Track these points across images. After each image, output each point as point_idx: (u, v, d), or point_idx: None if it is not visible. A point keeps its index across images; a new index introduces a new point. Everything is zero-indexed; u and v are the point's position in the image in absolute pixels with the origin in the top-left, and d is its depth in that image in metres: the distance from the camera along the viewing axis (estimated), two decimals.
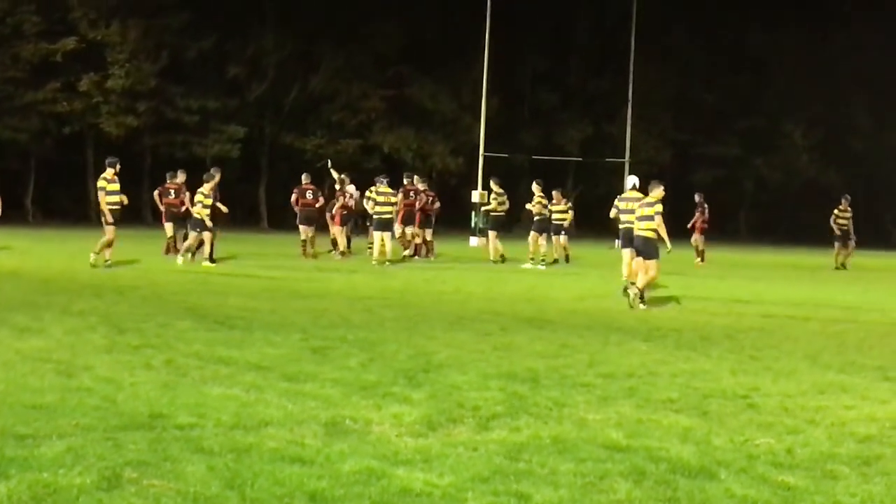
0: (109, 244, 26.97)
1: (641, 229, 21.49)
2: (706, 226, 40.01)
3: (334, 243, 35.52)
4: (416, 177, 38.05)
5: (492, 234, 36.29)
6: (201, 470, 7.58)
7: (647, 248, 21.44)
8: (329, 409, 9.78)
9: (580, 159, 72.01)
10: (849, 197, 39.75)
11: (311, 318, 16.84)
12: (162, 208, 33.53)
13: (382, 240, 31.96)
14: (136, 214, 63.59)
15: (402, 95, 72.42)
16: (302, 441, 8.54)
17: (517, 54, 72.86)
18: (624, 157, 62.51)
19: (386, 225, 32.40)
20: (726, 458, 8.54)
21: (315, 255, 33.98)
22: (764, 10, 79.69)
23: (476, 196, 54.64)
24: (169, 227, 32.96)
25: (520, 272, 31.18)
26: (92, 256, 26.86)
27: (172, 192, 32.94)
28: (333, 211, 34.95)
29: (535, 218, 34.65)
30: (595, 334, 16.17)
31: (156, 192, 34.42)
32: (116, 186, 27.52)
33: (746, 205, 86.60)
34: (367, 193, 34.19)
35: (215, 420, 9.12)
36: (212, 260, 28.82)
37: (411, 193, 36.21)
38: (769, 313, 21.02)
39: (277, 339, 14.17)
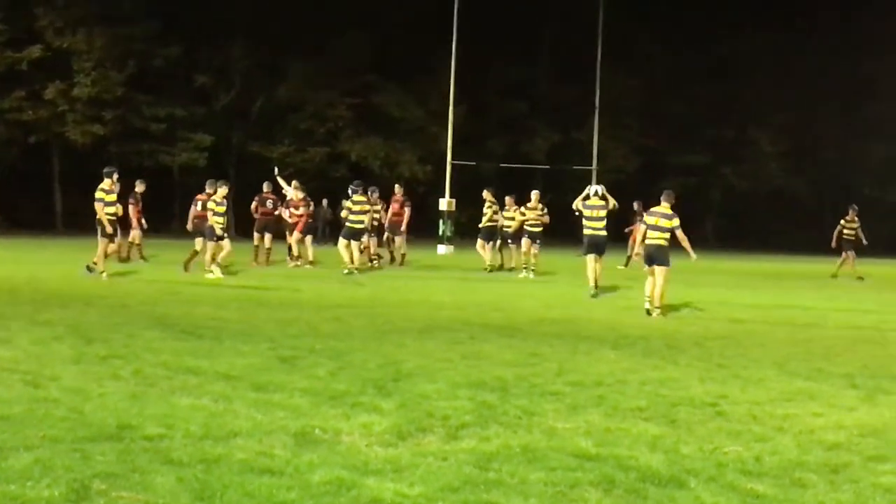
0: (107, 254, 26.94)
1: (656, 238, 21.95)
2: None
3: (290, 251, 35.60)
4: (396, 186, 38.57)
5: (480, 242, 36.00)
6: (170, 481, 7.57)
7: (661, 256, 21.94)
8: (298, 419, 9.77)
9: (548, 167, 72.09)
10: (856, 207, 39.64)
11: (279, 328, 16.81)
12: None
13: (349, 248, 31.63)
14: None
15: (370, 104, 72.34)
16: (271, 452, 8.53)
17: (484, 63, 72.81)
18: (591, 165, 62.62)
19: (357, 234, 32.16)
20: (695, 467, 8.58)
21: (270, 264, 33.80)
22: (732, 19, 79.95)
23: (444, 204, 54.66)
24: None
25: (493, 281, 31.17)
26: (92, 266, 26.75)
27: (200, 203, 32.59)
28: (288, 218, 34.74)
29: (484, 225, 35.25)
30: (564, 343, 16.20)
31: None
32: (114, 197, 27.34)
33: (714, 213, 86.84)
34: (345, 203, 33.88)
35: (184, 431, 9.10)
36: (185, 269, 28.83)
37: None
38: (737, 320, 21.12)
39: (246, 349, 14.15)
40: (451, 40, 55.99)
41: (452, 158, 57.07)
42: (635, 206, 40.40)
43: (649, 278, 22.24)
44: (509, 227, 35.10)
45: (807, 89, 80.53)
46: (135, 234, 33.97)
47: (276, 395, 10.91)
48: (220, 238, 28.45)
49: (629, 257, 39.02)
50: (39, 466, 7.76)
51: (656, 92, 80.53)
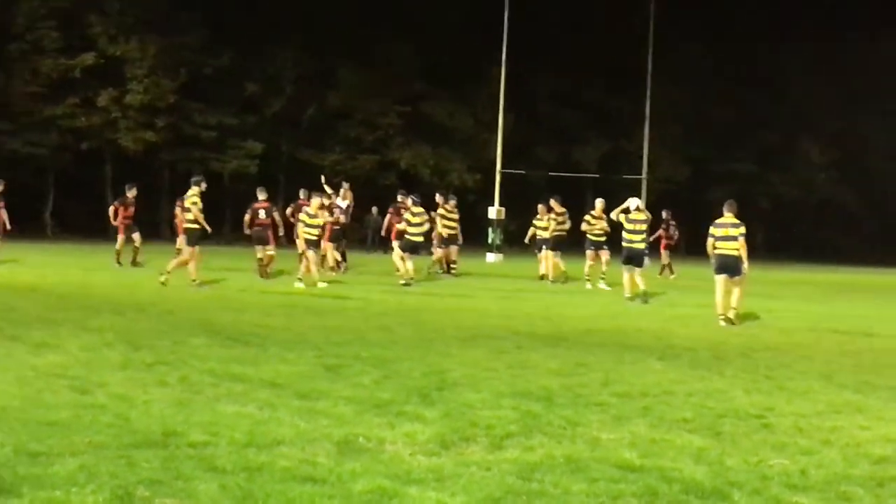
0: (186, 263, 26.86)
1: (729, 249, 22.59)
2: (671, 242, 39.88)
3: (343, 256, 35.81)
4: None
5: (550, 253, 34.64)
6: (213, 489, 7.59)
7: (736, 266, 22.59)
8: (342, 427, 9.78)
9: (597, 176, 72.01)
10: None
11: (325, 335, 16.84)
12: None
13: (406, 260, 30.81)
14: (154, 230, 63.80)
15: (419, 112, 72.49)
16: (314, 460, 8.54)
17: (533, 72, 72.81)
18: (641, 174, 62.45)
19: (416, 247, 31.62)
20: (739, 479, 8.52)
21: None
22: (779, 27, 79.60)
23: (493, 212, 54.69)
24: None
25: (541, 290, 31.09)
26: (162, 276, 26.50)
27: (263, 211, 32.60)
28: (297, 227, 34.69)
29: (551, 235, 34.36)
30: (610, 353, 16.14)
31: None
32: (197, 207, 27.31)
33: (763, 222, 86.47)
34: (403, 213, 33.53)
35: (228, 438, 9.12)
36: (262, 276, 29.04)
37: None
38: (785, 331, 20.99)
39: (291, 357, 14.18)
40: (501, 49, 56.03)
41: (502, 167, 57.06)
42: (664, 214, 40.36)
43: (719, 289, 22.59)
44: (544, 235, 34.88)
45: (855, 97, 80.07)
46: (121, 239, 34.40)
47: (320, 402, 10.92)
48: (316, 247, 28.35)
49: (664, 266, 39.02)
50: (84, 472, 7.81)
51: (705, 101, 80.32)
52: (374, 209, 56.59)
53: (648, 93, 62.32)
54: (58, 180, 65.50)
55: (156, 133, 63.95)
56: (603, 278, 32.02)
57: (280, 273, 31.48)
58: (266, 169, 67.85)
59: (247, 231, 33.07)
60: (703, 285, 30.84)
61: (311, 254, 28.02)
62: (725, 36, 78.89)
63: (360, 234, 53.54)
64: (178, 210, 33.86)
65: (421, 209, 32.17)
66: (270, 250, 31.73)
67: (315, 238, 28.34)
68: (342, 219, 35.08)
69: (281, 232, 32.55)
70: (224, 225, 62.79)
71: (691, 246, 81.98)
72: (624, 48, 72.75)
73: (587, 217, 32.75)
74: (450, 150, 72.40)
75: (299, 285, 27.36)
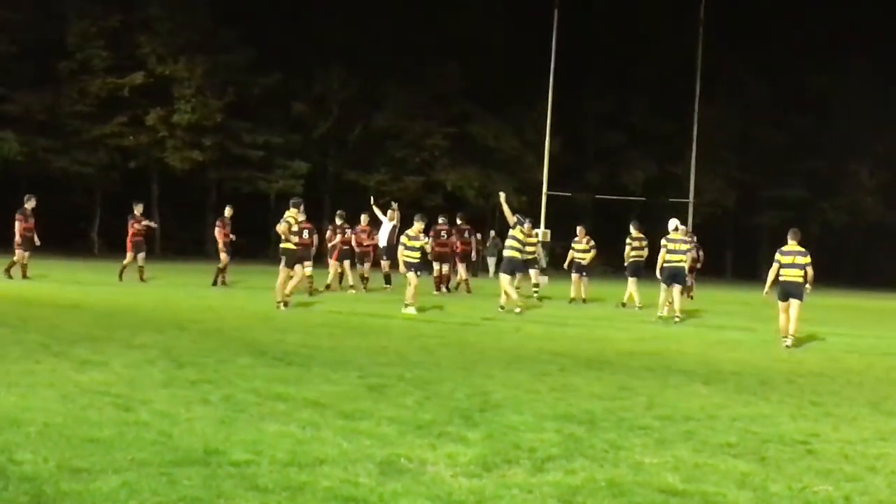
0: (288, 281, 26.87)
1: (793, 276, 23.16)
2: (694, 264, 38.81)
3: (386, 278, 36.14)
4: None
5: (631, 280, 32.92)
6: None
7: (798, 292, 23.14)
8: (384, 447, 9.77)
9: (644, 199, 71.85)
10: None
11: (369, 356, 16.84)
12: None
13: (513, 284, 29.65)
14: (200, 248, 64.09)
15: (465, 133, 72.52)
16: (356, 480, 8.54)
17: (580, 94, 72.80)
18: (688, 198, 62.23)
19: (523, 266, 30.80)
20: None
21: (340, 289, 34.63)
22: (828, 50, 79.21)
23: (539, 234, 54.61)
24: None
25: (584, 312, 30.95)
26: (279, 297, 26.54)
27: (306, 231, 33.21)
28: (331, 245, 35.01)
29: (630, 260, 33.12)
30: (654, 376, 16.06)
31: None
32: (296, 227, 27.33)
33: (812, 247, 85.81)
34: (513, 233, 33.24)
35: (270, 457, 9.13)
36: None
37: (442, 234, 37.79)
38: (832, 357, 20.83)
39: (335, 377, 14.18)
40: (548, 70, 56.03)
41: (548, 189, 57.01)
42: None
43: (782, 315, 23.17)
44: (582, 258, 34.78)
45: None
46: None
47: (363, 423, 10.92)
48: (417, 272, 27.58)
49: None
50: (126, 489, 7.83)
51: (752, 124, 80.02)
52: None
53: (696, 116, 62.12)
54: (105, 199, 65.89)
55: (203, 152, 64.25)
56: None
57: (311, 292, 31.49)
58: (312, 189, 68.02)
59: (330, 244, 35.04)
60: (747, 310, 30.69)
61: (411, 276, 27.35)
62: (773, 58, 78.57)
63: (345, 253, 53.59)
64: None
65: (535, 231, 31.73)
66: (308, 269, 32.01)
67: (416, 261, 27.65)
68: (345, 237, 35.32)
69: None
70: (270, 245, 62.96)
71: (738, 269, 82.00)
72: (672, 71, 72.68)
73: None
74: (495, 171, 72.31)
75: (409, 311, 26.55)
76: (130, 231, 35.36)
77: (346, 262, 35.37)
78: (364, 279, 35.71)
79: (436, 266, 36.74)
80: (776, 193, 79.76)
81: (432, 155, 72.31)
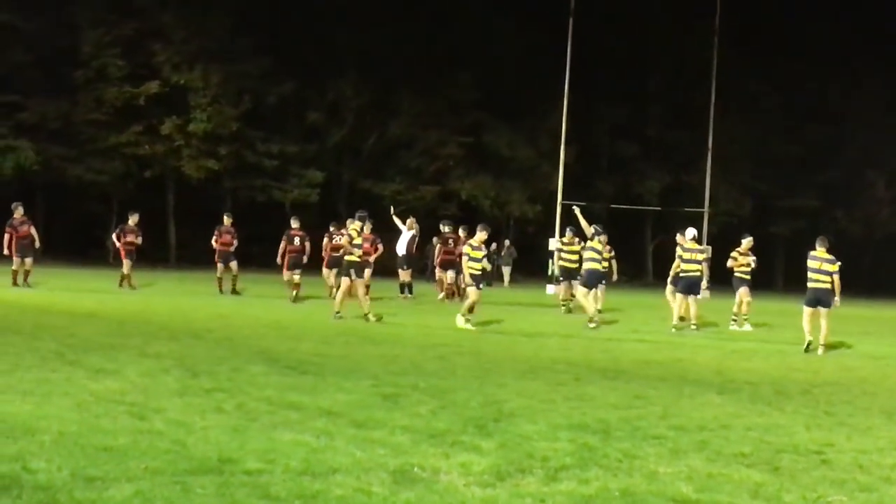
0: (350, 294, 26.90)
1: (821, 283, 23.94)
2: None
3: (405, 287, 36.26)
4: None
5: (691, 298, 29.61)
6: None
7: (826, 298, 23.90)
8: (398, 456, 9.77)
9: (659, 209, 71.72)
10: None
11: (382, 365, 16.85)
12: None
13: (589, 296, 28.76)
14: (212, 256, 64.05)
15: (480, 142, 72.43)
16: (369, 489, 8.54)
17: (595, 104, 72.68)
18: (703, 208, 62.12)
19: (693, 285, 29.00)
20: None
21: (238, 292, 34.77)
22: (844, 62, 79.00)
23: (553, 244, 54.48)
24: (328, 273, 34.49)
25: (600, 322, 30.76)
26: (369, 315, 26.44)
27: (297, 239, 33.84)
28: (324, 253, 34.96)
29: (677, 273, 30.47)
30: (669, 386, 16.05)
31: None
32: (360, 240, 27.17)
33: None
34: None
35: (284, 466, 9.15)
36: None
37: (450, 241, 37.41)
38: (847, 367, 20.78)
39: (349, 385, 14.19)
40: (562, 80, 55.95)
41: (562, 198, 56.94)
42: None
43: (806, 318, 23.86)
44: (568, 264, 33.44)
45: None
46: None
47: (376, 432, 10.92)
48: (476, 286, 26.57)
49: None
50: (140, 498, 7.85)
51: (768, 135, 79.85)
52: (435, 239, 56.72)
53: (711, 126, 62.02)
54: (121, 208, 65.92)
55: (218, 161, 64.27)
56: (746, 319, 30.40)
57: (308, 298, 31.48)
58: (327, 198, 68.06)
59: (215, 245, 35.96)
60: (762, 320, 30.63)
61: (472, 290, 26.56)
62: (789, 69, 78.38)
63: (420, 265, 53.53)
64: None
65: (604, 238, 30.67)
66: (297, 276, 33.39)
67: (479, 272, 26.80)
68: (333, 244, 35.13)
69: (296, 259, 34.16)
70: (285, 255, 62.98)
71: (753, 277, 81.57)
72: (686, 82, 72.59)
73: (734, 254, 30.52)
74: (510, 180, 72.26)
75: (466, 325, 25.54)
76: (123, 239, 36.04)
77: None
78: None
79: (439, 272, 36.82)
80: (791, 203, 79.59)
81: (447, 164, 72.25)
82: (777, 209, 79.58)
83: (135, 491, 8.02)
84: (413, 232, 37.44)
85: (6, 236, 34.20)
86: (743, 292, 30.15)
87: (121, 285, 35.42)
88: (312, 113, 68.34)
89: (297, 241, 34.24)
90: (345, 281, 26.91)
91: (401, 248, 37.30)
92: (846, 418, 13.65)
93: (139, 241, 37.05)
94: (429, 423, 11.58)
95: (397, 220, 37.54)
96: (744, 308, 30.39)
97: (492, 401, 13.50)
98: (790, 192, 79.51)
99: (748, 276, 30.43)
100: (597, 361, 19.35)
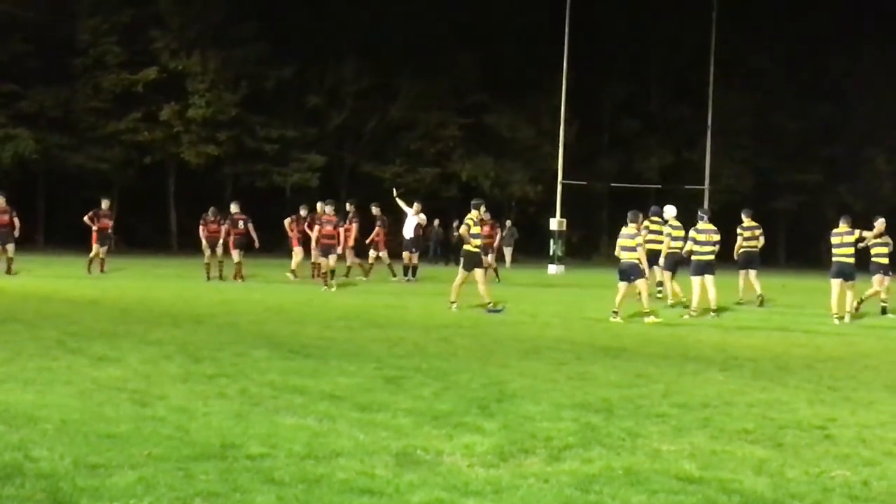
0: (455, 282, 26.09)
1: (846, 256, 25.81)
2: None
3: (409, 270, 36.37)
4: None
5: (752, 272, 30.72)
6: (271, 501, 7.62)
7: (852, 272, 25.78)
8: (401, 439, 9.78)
9: (660, 186, 71.64)
10: None
11: (386, 347, 16.85)
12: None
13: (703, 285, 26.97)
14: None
15: (481, 123, 72.32)
16: (372, 472, 8.54)
17: (596, 81, 72.54)
18: (704, 185, 62.12)
19: (706, 267, 27.01)
20: (801, 491, 8.44)
21: (223, 278, 34.62)
22: (846, 37, 78.83)
23: (555, 224, 54.47)
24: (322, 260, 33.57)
25: (603, 301, 30.62)
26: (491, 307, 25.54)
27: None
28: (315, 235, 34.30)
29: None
30: (671, 364, 16.06)
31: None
32: (478, 229, 26.32)
33: (828, 232, 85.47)
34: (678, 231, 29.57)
35: (287, 450, 9.15)
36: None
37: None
38: (850, 342, 20.79)
39: (352, 369, 14.19)
40: (563, 59, 55.87)
41: (563, 178, 56.90)
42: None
43: (834, 292, 25.55)
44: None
45: None
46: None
47: (379, 414, 10.92)
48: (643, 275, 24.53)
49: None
50: (143, 485, 7.85)
51: (769, 110, 79.71)
52: (437, 221, 56.75)
53: (710, 102, 61.98)
54: (121, 195, 65.95)
55: (218, 146, 64.17)
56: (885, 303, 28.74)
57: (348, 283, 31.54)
58: (328, 181, 68.02)
59: (202, 235, 35.65)
60: (764, 296, 30.54)
61: (641, 282, 24.46)
62: (791, 45, 78.24)
63: (422, 247, 53.69)
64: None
65: (711, 226, 29.36)
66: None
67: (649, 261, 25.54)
68: (300, 227, 36.15)
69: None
70: (285, 239, 62.96)
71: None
72: (688, 58, 72.39)
73: (863, 234, 27.65)
74: (511, 161, 72.16)
75: (650, 318, 24.01)
76: (97, 225, 36.23)
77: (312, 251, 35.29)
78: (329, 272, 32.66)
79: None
80: (793, 179, 79.48)
81: (447, 146, 72.19)
82: (779, 185, 79.44)
83: (138, 478, 8.02)
84: (419, 218, 37.57)
85: None
86: (878, 279, 28.17)
87: (89, 270, 35.60)
88: (312, 97, 68.22)
89: (213, 225, 34.72)
90: (479, 273, 25.88)
91: (408, 232, 37.35)
92: (849, 393, 13.65)
93: (110, 223, 37.40)
94: (432, 405, 11.58)
95: (402, 203, 37.53)
96: (882, 294, 28.47)
97: (494, 381, 13.51)
98: (792, 167, 79.38)
99: (886, 261, 28.15)
100: (599, 340, 19.37)
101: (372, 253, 36.83)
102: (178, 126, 63.38)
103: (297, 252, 36.29)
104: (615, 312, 24.01)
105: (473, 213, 26.34)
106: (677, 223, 28.90)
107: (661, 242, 28.83)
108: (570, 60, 55.86)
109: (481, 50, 71.08)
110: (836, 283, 25.64)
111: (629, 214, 25.05)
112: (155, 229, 66.47)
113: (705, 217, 26.88)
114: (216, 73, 63.86)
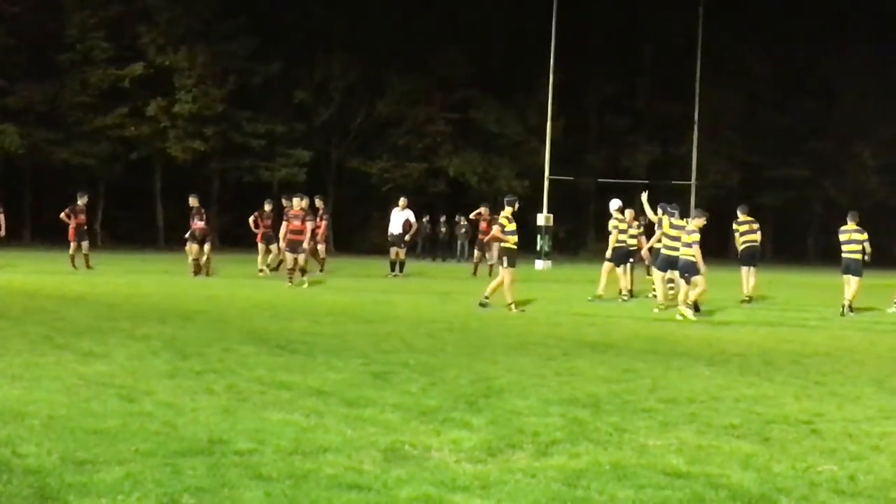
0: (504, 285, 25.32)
1: (852, 253, 26.95)
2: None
3: (396, 265, 36.53)
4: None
5: (751, 270, 30.33)
6: (259, 496, 7.60)
7: (856, 267, 26.80)
8: (388, 434, 9.78)
9: (647, 182, 71.70)
10: None
11: (373, 343, 16.85)
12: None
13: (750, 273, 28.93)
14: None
15: (468, 119, 72.43)
16: (360, 467, 8.53)
17: (583, 77, 72.66)
18: (690, 180, 62.21)
19: (752, 256, 29.28)
20: (787, 486, 8.45)
21: (208, 273, 34.54)
22: (832, 32, 78.98)
23: (541, 219, 54.47)
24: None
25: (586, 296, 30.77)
26: (507, 300, 25.05)
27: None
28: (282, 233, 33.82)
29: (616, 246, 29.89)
30: (658, 359, 16.07)
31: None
32: (514, 226, 26.19)
33: (815, 227, 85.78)
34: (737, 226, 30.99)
35: (274, 446, 9.14)
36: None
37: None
38: (836, 337, 20.83)
39: (339, 364, 14.18)
40: (550, 55, 55.89)
41: (550, 173, 56.92)
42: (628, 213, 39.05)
43: (846, 286, 26.94)
44: (635, 245, 30.70)
45: None
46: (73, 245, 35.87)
47: (367, 410, 10.92)
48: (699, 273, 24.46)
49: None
50: (130, 480, 7.83)
51: (756, 106, 79.87)
52: (425, 218, 56.84)
53: (697, 97, 62.09)
54: (108, 190, 65.88)
55: (205, 142, 64.16)
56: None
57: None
58: (315, 177, 68.00)
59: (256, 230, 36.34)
60: (751, 292, 30.58)
61: (681, 279, 24.84)
62: (777, 40, 78.41)
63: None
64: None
65: (749, 217, 29.93)
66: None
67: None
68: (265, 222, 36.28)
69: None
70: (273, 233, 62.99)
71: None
72: (675, 53, 72.50)
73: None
74: (498, 156, 72.25)
75: (687, 312, 23.93)
76: (74, 221, 36.04)
77: (273, 246, 35.48)
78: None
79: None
80: (780, 174, 79.62)
81: (435, 141, 72.23)
82: (766, 180, 79.63)
83: (125, 473, 8.01)
84: (407, 214, 37.71)
85: None
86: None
87: (74, 265, 35.56)
88: (300, 92, 68.27)
89: (196, 220, 34.56)
90: (507, 272, 25.41)
91: (395, 227, 37.46)
92: (836, 388, 13.67)
93: (86, 218, 37.43)
94: (419, 401, 11.58)
95: (647, 207, 36.96)
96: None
97: (482, 377, 13.51)
98: (779, 162, 79.57)
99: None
100: (586, 336, 19.38)
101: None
102: (164, 121, 63.38)
103: (262, 248, 36.25)
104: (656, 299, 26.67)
105: (507, 210, 26.09)
106: (621, 216, 29.34)
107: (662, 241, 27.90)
108: (557, 56, 55.92)
109: (469, 45, 71.17)
110: (845, 279, 27.24)
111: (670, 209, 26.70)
112: (142, 225, 66.42)
113: (675, 213, 26.52)
114: (203, 69, 63.86)
